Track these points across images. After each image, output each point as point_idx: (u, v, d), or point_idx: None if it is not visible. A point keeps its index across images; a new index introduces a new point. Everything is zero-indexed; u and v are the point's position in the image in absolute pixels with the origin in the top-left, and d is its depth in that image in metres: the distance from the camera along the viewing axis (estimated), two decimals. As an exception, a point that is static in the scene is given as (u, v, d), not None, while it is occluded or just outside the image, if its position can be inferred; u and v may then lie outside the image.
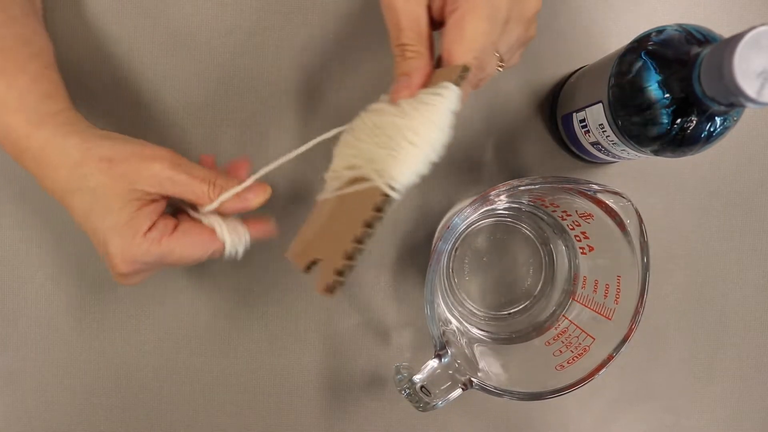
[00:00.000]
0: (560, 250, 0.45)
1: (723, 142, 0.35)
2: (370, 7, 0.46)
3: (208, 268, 0.46)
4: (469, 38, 0.32)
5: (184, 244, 0.36)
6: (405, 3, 0.33)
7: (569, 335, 0.40)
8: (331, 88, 0.46)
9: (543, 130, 0.47)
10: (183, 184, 0.35)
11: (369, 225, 0.30)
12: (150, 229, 0.35)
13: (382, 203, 0.31)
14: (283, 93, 0.46)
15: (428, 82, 0.33)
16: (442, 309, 0.43)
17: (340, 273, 0.30)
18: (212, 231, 0.37)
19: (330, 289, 0.30)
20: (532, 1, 0.34)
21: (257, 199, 0.37)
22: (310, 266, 0.34)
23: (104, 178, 0.34)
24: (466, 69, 0.32)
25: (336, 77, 0.46)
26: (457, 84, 0.31)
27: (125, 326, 0.46)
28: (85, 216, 0.35)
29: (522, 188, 0.35)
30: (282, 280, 0.46)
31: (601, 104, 0.37)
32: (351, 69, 0.46)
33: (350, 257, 0.30)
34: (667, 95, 0.33)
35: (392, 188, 0.31)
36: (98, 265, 0.45)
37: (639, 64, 0.34)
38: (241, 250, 0.38)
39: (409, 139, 0.31)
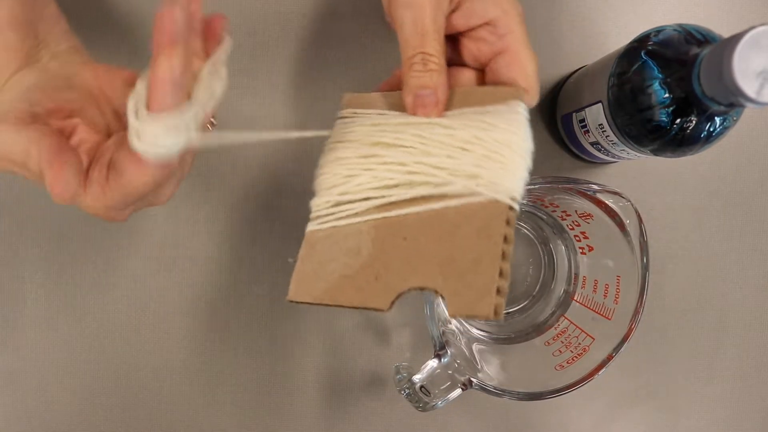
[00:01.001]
0: (560, 250, 0.45)
1: (723, 142, 0.35)
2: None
3: (209, 268, 0.46)
4: (533, 72, 0.32)
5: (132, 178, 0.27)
6: (434, 8, 0.31)
7: (569, 335, 0.40)
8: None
9: (543, 130, 0.47)
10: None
11: (507, 240, 0.28)
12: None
13: (511, 217, 0.29)
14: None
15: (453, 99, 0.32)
16: (442, 309, 0.43)
17: (501, 292, 0.27)
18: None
19: (498, 314, 0.27)
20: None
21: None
22: (395, 300, 0.29)
23: None
24: (522, 91, 0.32)
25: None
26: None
27: (125, 326, 0.46)
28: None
29: (522, 188, 0.35)
30: (282, 280, 0.46)
31: (600, 104, 0.37)
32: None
33: (504, 274, 0.28)
34: (666, 95, 0.33)
35: (515, 199, 0.29)
36: (98, 265, 0.45)
37: (639, 64, 0.34)
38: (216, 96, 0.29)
39: (514, 150, 0.30)
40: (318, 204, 0.32)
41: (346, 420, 0.46)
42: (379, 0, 0.34)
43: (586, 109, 0.39)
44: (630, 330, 0.36)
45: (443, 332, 0.36)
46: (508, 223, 0.28)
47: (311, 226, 0.32)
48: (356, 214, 0.31)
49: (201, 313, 0.46)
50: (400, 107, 0.32)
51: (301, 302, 0.31)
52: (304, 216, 0.46)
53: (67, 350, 0.45)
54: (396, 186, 0.30)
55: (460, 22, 0.32)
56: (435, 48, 0.31)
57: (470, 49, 0.33)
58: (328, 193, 0.32)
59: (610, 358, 0.36)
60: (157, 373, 0.46)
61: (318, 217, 0.32)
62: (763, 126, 0.47)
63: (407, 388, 0.36)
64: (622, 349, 0.36)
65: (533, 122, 0.46)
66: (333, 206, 0.31)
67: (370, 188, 0.31)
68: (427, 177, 0.30)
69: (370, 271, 0.30)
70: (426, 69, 0.31)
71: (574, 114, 0.42)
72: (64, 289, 0.45)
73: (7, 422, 0.45)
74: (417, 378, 0.35)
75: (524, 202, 0.44)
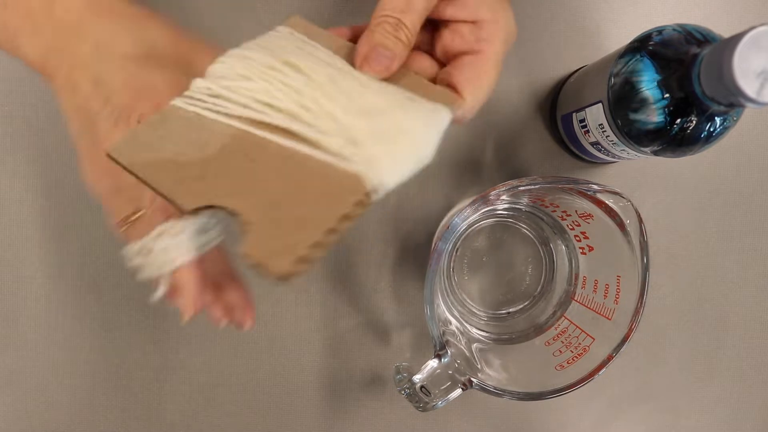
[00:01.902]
0: (560, 250, 0.45)
1: (723, 142, 0.35)
2: None
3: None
4: (487, 88, 0.31)
5: None
6: None
7: (569, 335, 0.40)
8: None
9: (543, 130, 0.47)
10: None
11: (348, 218, 0.26)
12: None
13: (363, 201, 0.26)
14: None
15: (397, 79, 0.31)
16: (442, 309, 0.43)
17: (304, 260, 0.25)
18: None
19: (287, 277, 0.24)
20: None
21: None
22: (201, 210, 0.27)
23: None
24: (458, 101, 0.30)
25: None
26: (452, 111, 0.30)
27: (125, 326, 0.46)
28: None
29: (522, 188, 0.35)
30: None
31: (601, 104, 0.37)
32: None
33: (320, 246, 0.25)
34: (666, 95, 0.33)
35: (381, 187, 0.27)
36: (98, 265, 0.45)
37: (639, 64, 0.34)
38: None
39: (411, 143, 0.28)
40: (198, 86, 0.29)
41: (346, 420, 0.46)
42: None
43: (587, 109, 0.39)
44: (630, 330, 0.36)
45: (443, 332, 0.36)
46: (357, 205, 0.26)
47: (178, 102, 0.29)
48: (226, 115, 0.28)
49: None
50: (341, 54, 0.31)
51: (117, 161, 0.27)
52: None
53: (67, 350, 0.45)
54: (280, 111, 0.28)
55: (448, 10, 0.32)
56: (412, 23, 0.30)
57: (445, 39, 0.32)
58: (214, 81, 0.29)
59: (610, 358, 0.36)
60: (157, 373, 0.46)
61: (191, 97, 0.29)
62: (763, 126, 0.47)
63: (407, 388, 0.36)
64: (622, 349, 0.36)
65: (533, 122, 0.47)
66: (210, 95, 0.29)
67: (255, 99, 0.29)
68: (314, 118, 0.28)
69: (199, 170, 0.27)
70: (397, 38, 0.30)
71: (574, 114, 0.42)
72: (64, 289, 0.45)
73: (7, 422, 0.45)
74: (417, 378, 0.35)
75: (525, 202, 0.44)
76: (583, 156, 0.45)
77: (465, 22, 0.32)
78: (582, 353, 0.37)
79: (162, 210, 0.31)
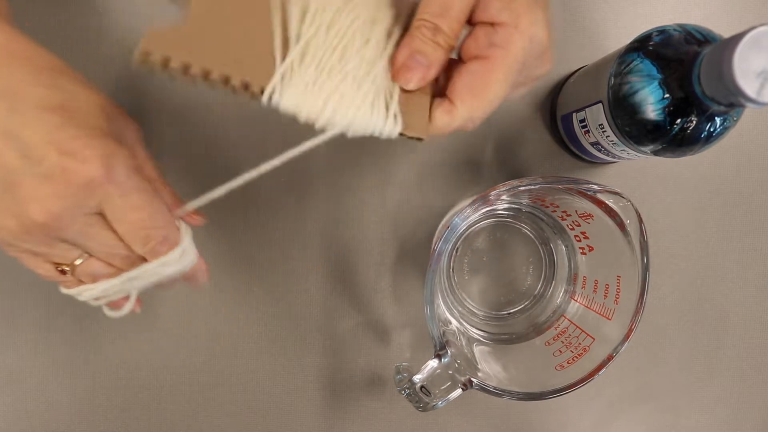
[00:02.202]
0: (560, 250, 0.45)
1: (723, 142, 0.35)
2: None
3: (209, 268, 0.46)
4: (490, 99, 0.30)
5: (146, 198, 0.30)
6: None
7: (569, 335, 0.40)
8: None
9: (543, 130, 0.47)
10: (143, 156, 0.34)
11: (226, 82, 0.27)
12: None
13: (248, 87, 0.27)
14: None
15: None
16: (442, 309, 0.43)
17: (166, 62, 0.26)
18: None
19: (145, 57, 0.25)
20: (544, 66, 0.32)
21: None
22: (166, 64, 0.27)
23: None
24: (420, 139, 0.30)
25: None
26: (402, 134, 0.30)
27: (125, 326, 0.46)
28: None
29: (522, 188, 0.35)
30: (282, 280, 0.46)
31: (600, 104, 0.37)
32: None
33: (207, 76, 0.26)
34: (667, 95, 0.33)
35: (274, 97, 0.27)
36: (98, 265, 0.45)
37: (639, 64, 0.34)
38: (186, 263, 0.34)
39: (338, 103, 0.28)
40: None
41: (346, 420, 0.46)
42: None
43: (587, 109, 0.39)
44: (630, 330, 0.36)
45: (443, 332, 0.36)
46: (242, 85, 0.27)
47: None
48: None
49: (201, 313, 0.46)
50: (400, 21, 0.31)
51: (150, 59, 0.27)
52: (306, 217, 0.46)
53: (67, 350, 0.45)
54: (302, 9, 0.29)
55: (476, 11, 0.30)
56: (450, 27, 0.29)
57: (465, 42, 0.31)
58: None
59: (610, 358, 0.36)
60: (157, 373, 0.46)
61: None
62: (763, 126, 0.47)
63: (407, 388, 0.36)
64: (622, 349, 0.36)
65: (533, 122, 0.47)
66: None
67: None
68: (310, 25, 0.29)
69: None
70: (437, 44, 0.29)
71: (574, 114, 0.42)
72: (64, 289, 0.45)
73: (7, 422, 0.45)
74: (417, 378, 0.35)
75: (525, 202, 0.44)
76: (583, 156, 0.45)
77: (483, 23, 0.30)
78: (582, 353, 0.37)
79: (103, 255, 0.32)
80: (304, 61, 0.29)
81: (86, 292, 0.33)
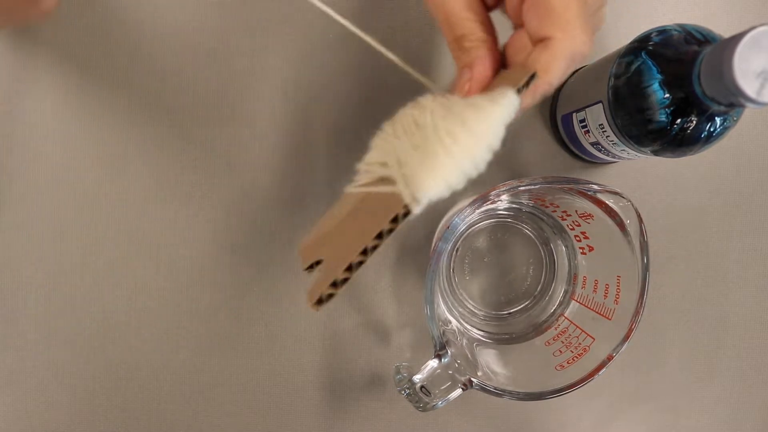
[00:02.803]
0: (560, 250, 0.45)
1: (723, 142, 0.35)
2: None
3: (209, 269, 0.46)
4: (560, 7, 0.27)
5: None
6: None
7: (569, 335, 0.40)
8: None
9: (543, 130, 0.47)
10: None
11: (380, 236, 0.26)
12: None
13: (400, 215, 0.26)
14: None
15: (493, 80, 0.30)
16: (442, 309, 0.43)
17: (334, 285, 0.26)
18: None
19: (320, 302, 0.27)
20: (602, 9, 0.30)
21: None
22: (312, 266, 0.30)
23: None
24: (533, 76, 0.28)
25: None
26: (518, 91, 0.27)
27: (125, 326, 0.46)
28: None
29: (522, 188, 0.35)
30: (282, 280, 0.46)
31: (601, 104, 0.37)
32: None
33: (350, 269, 0.27)
34: (667, 95, 0.33)
35: (416, 200, 0.26)
36: (98, 265, 0.45)
37: (639, 64, 0.34)
38: None
39: (445, 145, 0.27)
40: (358, 169, 0.31)
41: (346, 420, 0.46)
42: None
43: (587, 109, 0.39)
44: (630, 330, 0.36)
45: (443, 332, 0.36)
46: (395, 220, 0.26)
47: (348, 189, 0.32)
48: (360, 185, 0.30)
49: (201, 313, 0.46)
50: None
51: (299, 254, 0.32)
52: (304, 217, 0.46)
53: (67, 350, 0.45)
54: (383, 164, 0.29)
55: None
56: (466, 27, 0.29)
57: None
58: (363, 162, 0.31)
59: (610, 358, 0.36)
60: (157, 374, 0.46)
61: (353, 182, 0.31)
62: (763, 126, 0.47)
63: (407, 388, 0.36)
64: (622, 349, 0.36)
65: (533, 122, 0.47)
66: (360, 174, 0.31)
67: (374, 162, 0.30)
68: (390, 159, 0.28)
69: (320, 236, 0.32)
70: (464, 50, 0.29)
71: (574, 114, 0.42)
72: (64, 289, 0.45)
73: (7, 422, 0.45)
74: (417, 378, 0.35)
75: (525, 202, 0.44)
76: (583, 156, 0.45)
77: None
78: (582, 353, 0.37)
79: None
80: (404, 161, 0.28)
81: None
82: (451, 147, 0.27)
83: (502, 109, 0.27)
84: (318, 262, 0.30)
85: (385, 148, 0.30)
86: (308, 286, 0.29)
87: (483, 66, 0.29)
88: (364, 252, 0.26)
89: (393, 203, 0.27)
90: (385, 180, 0.29)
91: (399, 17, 0.46)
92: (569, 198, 0.38)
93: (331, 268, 0.28)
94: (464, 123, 0.27)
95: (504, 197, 0.36)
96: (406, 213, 0.27)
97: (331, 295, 0.27)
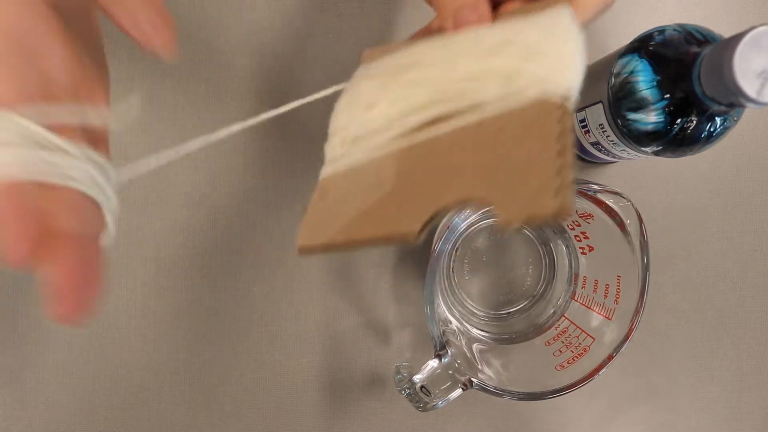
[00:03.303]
0: (560, 250, 0.45)
1: (723, 142, 0.35)
2: None
3: (208, 269, 0.46)
4: None
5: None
6: None
7: (569, 335, 0.40)
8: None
9: (543, 130, 0.47)
10: None
11: (565, 134, 0.22)
12: None
13: (565, 110, 0.23)
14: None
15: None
16: (442, 309, 0.43)
17: (562, 188, 0.21)
18: None
19: (561, 213, 0.20)
20: None
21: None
22: (427, 224, 0.24)
23: None
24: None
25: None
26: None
27: (125, 326, 0.46)
28: None
29: (522, 188, 0.35)
30: (282, 280, 0.46)
31: (601, 104, 0.37)
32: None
33: (566, 168, 0.21)
34: (666, 95, 0.33)
35: (566, 96, 0.23)
36: (98, 265, 0.45)
37: (639, 64, 0.34)
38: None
39: (560, 41, 0.24)
40: (332, 145, 0.27)
41: (346, 420, 0.46)
42: None
43: (587, 109, 0.39)
44: (630, 330, 0.36)
45: (443, 332, 0.36)
46: (562, 118, 0.23)
47: (324, 172, 0.27)
48: (377, 147, 0.26)
49: (201, 313, 0.46)
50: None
51: (314, 250, 0.25)
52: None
53: (67, 350, 0.45)
54: (422, 108, 0.26)
55: None
56: None
57: None
58: (343, 130, 0.27)
59: (610, 358, 0.36)
60: (157, 373, 0.46)
61: (333, 159, 0.27)
62: (764, 126, 0.47)
63: (407, 388, 0.36)
64: (622, 349, 0.36)
65: (533, 122, 0.47)
66: (350, 143, 0.27)
67: (392, 115, 0.26)
68: (457, 89, 0.25)
69: (393, 201, 0.25)
70: None
71: (574, 114, 0.42)
72: (64, 289, 0.45)
73: (7, 422, 0.45)
74: (417, 378, 0.35)
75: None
76: (583, 156, 0.45)
77: None
78: (582, 353, 0.37)
79: None
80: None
81: None
82: (565, 42, 0.24)
83: (567, 17, 0.25)
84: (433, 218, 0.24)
85: (419, 90, 0.26)
86: (512, 209, 0.21)
87: (486, 6, 0.27)
88: (564, 153, 0.22)
89: (526, 114, 0.24)
90: (443, 119, 0.25)
91: None
92: (569, 198, 0.38)
93: (519, 186, 0.22)
94: (552, 30, 0.25)
95: (504, 197, 0.36)
96: (561, 110, 0.23)
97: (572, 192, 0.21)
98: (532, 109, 0.24)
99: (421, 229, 0.23)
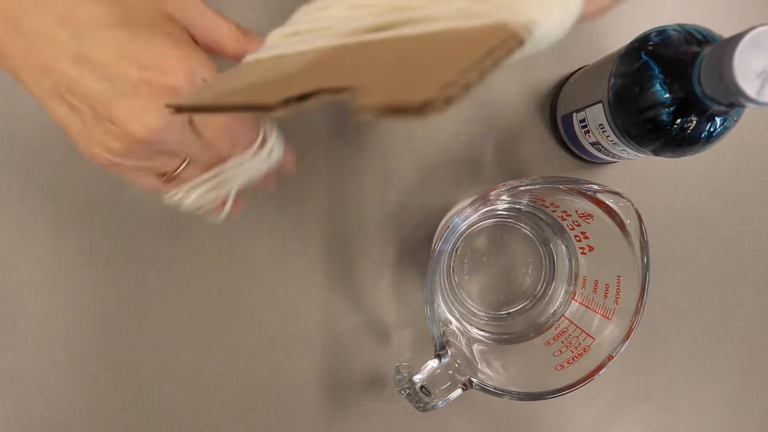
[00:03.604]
0: (560, 250, 0.45)
1: (723, 142, 0.35)
2: None
3: (208, 269, 0.46)
4: None
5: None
6: None
7: (569, 335, 0.40)
8: None
9: (543, 130, 0.47)
10: (211, 18, 0.30)
11: (493, 54, 0.19)
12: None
13: (511, 40, 0.21)
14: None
15: None
16: (442, 309, 0.43)
17: (451, 84, 0.17)
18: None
19: (429, 106, 0.16)
20: None
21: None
22: (294, 102, 0.21)
23: None
24: None
25: None
26: None
27: (125, 326, 0.46)
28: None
29: (522, 188, 0.35)
30: (282, 280, 0.46)
31: (601, 104, 0.37)
32: None
33: (476, 73, 0.18)
34: (667, 95, 0.33)
35: (528, 27, 0.21)
36: (98, 265, 0.45)
37: (639, 64, 0.34)
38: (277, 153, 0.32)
39: None
40: (272, 37, 0.27)
41: (346, 420, 0.46)
42: None
43: (587, 109, 0.39)
44: (630, 330, 0.36)
45: (443, 332, 0.36)
46: (501, 42, 0.20)
47: (248, 58, 0.27)
48: (308, 42, 0.25)
49: (201, 313, 0.46)
50: None
51: (182, 108, 0.25)
52: (306, 217, 0.46)
53: (67, 350, 0.45)
54: (371, 15, 0.24)
55: None
56: None
57: None
58: (291, 26, 0.27)
59: (610, 358, 0.36)
60: (157, 374, 0.46)
61: (266, 49, 0.27)
62: (764, 126, 0.47)
63: (407, 388, 0.36)
64: (622, 349, 0.36)
65: (533, 122, 0.47)
66: (288, 36, 0.26)
67: (340, 16, 0.25)
68: (415, 2, 0.23)
69: (280, 81, 0.23)
70: None
71: (574, 114, 0.42)
72: (64, 289, 0.45)
73: (7, 422, 0.45)
74: (417, 378, 0.35)
75: (525, 202, 0.44)
76: (583, 156, 0.45)
77: None
78: (582, 353, 0.37)
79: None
80: None
81: (187, 197, 0.32)
82: None
83: None
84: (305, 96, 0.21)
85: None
86: (361, 101, 0.18)
87: None
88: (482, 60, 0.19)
89: (477, 32, 0.21)
90: (386, 27, 0.23)
91: None
92: (569, 198, 0.38)
93: (401, 79, 0.19)
94: None
95: (504, 197, 0.36)
96: (513, 40, 0.21)
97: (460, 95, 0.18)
98: (482, 29, 0.22)
99: (284, 104, 0.21)
